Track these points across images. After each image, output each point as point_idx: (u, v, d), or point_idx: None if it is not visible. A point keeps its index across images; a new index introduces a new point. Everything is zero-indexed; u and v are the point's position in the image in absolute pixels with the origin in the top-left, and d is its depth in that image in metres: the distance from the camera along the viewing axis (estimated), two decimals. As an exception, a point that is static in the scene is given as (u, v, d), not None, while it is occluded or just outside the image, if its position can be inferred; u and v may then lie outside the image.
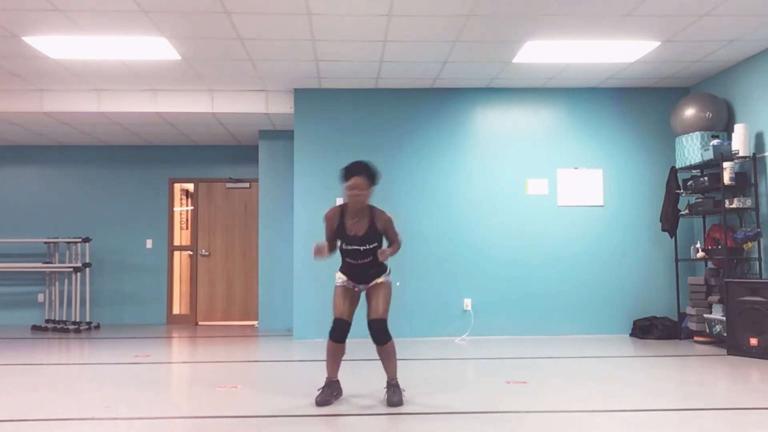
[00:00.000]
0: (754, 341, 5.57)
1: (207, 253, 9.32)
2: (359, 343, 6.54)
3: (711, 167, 6.64)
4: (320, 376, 4.79)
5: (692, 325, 6.53)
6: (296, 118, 7.31)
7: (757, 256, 6.14)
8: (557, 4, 5.03)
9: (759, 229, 6.05)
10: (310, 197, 7.23)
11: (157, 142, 9.22)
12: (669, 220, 6.88)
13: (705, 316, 6.36)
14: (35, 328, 8.44)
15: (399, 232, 4.10)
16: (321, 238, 7.14)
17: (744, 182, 6.23)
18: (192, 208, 9.54)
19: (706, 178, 6.43)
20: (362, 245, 3.91)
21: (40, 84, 7.05)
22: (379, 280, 4.04)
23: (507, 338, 7.01)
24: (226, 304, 9.31)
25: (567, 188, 7.29)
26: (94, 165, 9.38)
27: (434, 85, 7.21)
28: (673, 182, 6.88)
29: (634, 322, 7.10)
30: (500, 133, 7.35)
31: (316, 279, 7.12)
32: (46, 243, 8.80)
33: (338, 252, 4.07)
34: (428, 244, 7.20)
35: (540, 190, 7.29)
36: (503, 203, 7.26)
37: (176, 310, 9.33)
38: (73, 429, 3.48)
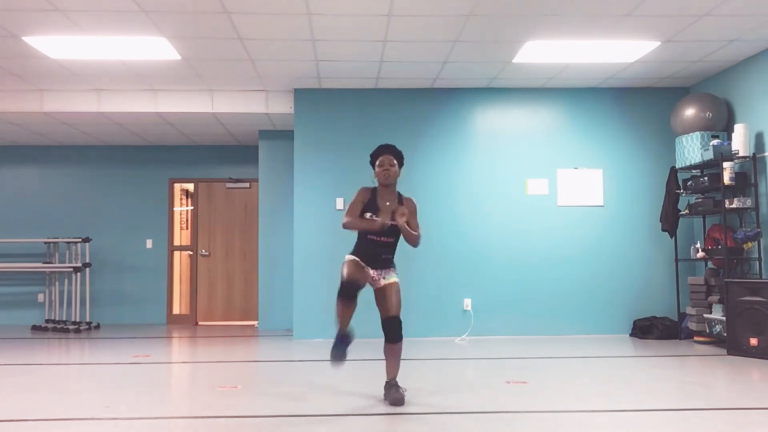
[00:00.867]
0: (754, 341, 5.57)
1: (207, 253, 9.33)
2: (359, 343, 6.54)
3: (711, 167, 6.64)
4: (320, 376, 4.79)
5: (692, 325, 6.53)
6: (296, 118, 7.31)
7: (757, 256, 6.14)
8: (557, 4, 5.03)
9: (759, 229, 6.05)
10: (310, 197, 7.23)
11: (157, 142, 9.22)
12: (669, 220, 6.88)
13: (705, 316, 6.36)
14: (35, 328, 8.44)
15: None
16: (321, 238, 7.17)
17: (744, 182, 6.23)
18: (192, 208, 9.54)
19: (706, 178, 6.43)
20: (392, 219, 3.99)
21: (40, 84, 7.05)
22: (391, 279, 4.08)
23: (507, 338, 7.01)
24: (226, 304, 9.31)
25: (567, 188, 7.29)
26: (94, 165, 9.38)
27: (434, 85, 7.21)
28: (673, 182, 6.88)
29: (634, 322, 7.10)
30: (500, 133, 7.35)
31: (316, 279, 7.11)
32: (46, 243, 8.80)
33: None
34: (428, 243, 7.17)
35: (540, 190, 7.29)
36: (503, 203, 7.26)
37: (176, 310, 9.33)
38: (73, 429, 3.48)
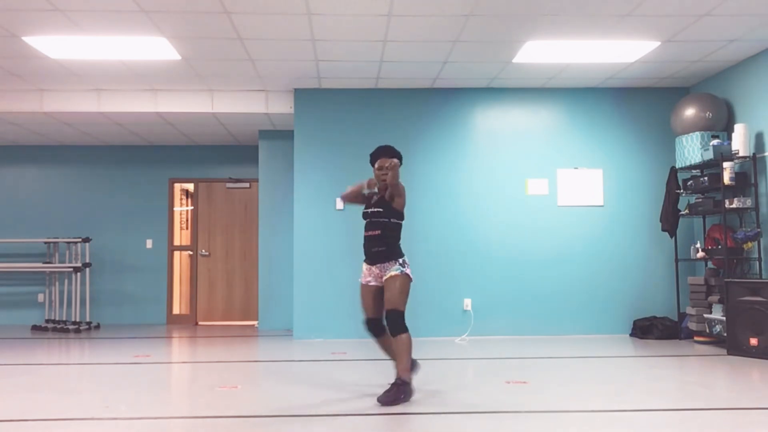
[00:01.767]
0: (754, 341, 5.57)
1: (207, 253, 9.32)
2: (361, 342, 6.55)
3: (711, 167, 6.64)
4: (320, 376, 4.79)
5: (692, 325, 6.53)
6: (296, 118, 7.31)
7: (757, 256, 6.14)
8: (557, 4, 5.03)
9: (759, 229, 6.05)
10: (310, 197, 7.23)
11: (157, 142, 9.22)
12: (669, 220, 6.88)
13: (705, 316, 6.36)
14: (35, 328, 8.44)
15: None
16: (320, 238, 7.17)
17: (744, 182, 6.23)
18: (192, 208, 9.54)
19: (706, 178, 6.43)
20: (370, 208, 4.24)
21: (40, 84, 7.05)
22: (390, 273, 4.11)
23: (507, 338, 7.01)
24: (226, 304, 9.31)
25: (567, 188, 7.29)
26: (94, 165, 9.38)
27: (434, 85, 7.21)
28: (673, 182, 6.88)
29: (634, 322, 7.10)
30: (500, 133, 7.35)
31: (316, 279, 7.11)
32: (46, 243, 8.80)
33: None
34: (428, 243, 7.19)
35: (540, 190, 7.29)
36: (503, 203, 7.26)
37: (176, 310, 9.33)
38: (73, 429, 3.48)
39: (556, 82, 7.13)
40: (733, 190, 6.32)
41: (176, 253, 9.41)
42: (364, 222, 4.24)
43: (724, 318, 5.93)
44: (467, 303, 7.16)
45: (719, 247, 6.35)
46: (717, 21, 5.39)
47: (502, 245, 7.21)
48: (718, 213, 6.38)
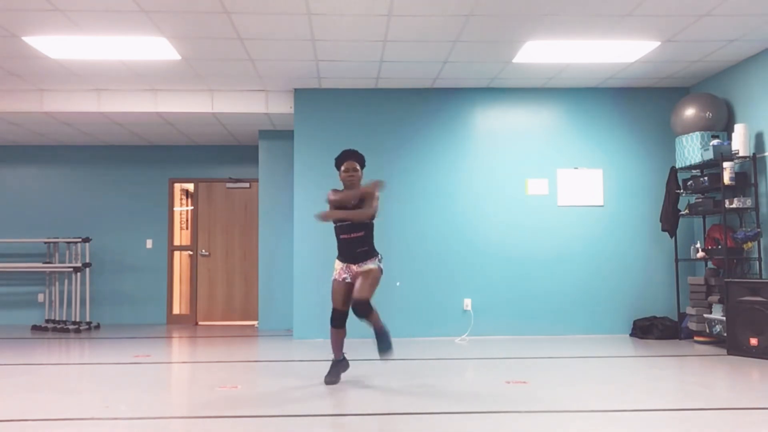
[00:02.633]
0: (754, 341, 5.57)
1: (207, 253, 9.33)
2: (361, 342, 6.55)
3: (711, 167, 6.64)
4: (320, 376, 4.79)
5: (692, 325, 6.53)
6: (296, 118, 7.31)
7: (757, 256, 6.14)
8: (557, 4, 5.03)
9: (759, 229, 6.05)
10: (310, 197, 7.22)
11: (157, 142, 9.22)
12: (669, 220, 6.88)
13: (705, 316, 6.36)
14: (35, 328, 8.44)
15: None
16: (320, 238, 7.17)
17: (744, 182, 6.23)
18: (192, 208, 9.54)
19: (706, 178, 6.43)
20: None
21: (40, 84, 7.05)
22: (367, 267, 4.50)
23: (507, 338, 7.01)
24: (226, 304, 9.31)
25: (567, 188, 7.29)
26: (94, 165, 9.38)
27: (434, 85, 7.21)
28: (673, 182, 6.88)
29: (634, 322, 7.10)
30: (500, 133, 7.35)
31: (316, 279, 7.11)
32: (46, 243, 8.80)
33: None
34: (428, 243, 7.20)
35: (540, 190, 7.29)
36: (503, 203, 7.26)
37: (176, 310, 9.34)
38: (73, 429, 3.48)
39: (556, 82, 7.13)
40: (733, 190, 6.32)
41: (176, 253, 9.41)
42: (340, 225, 4.53)
43: (724, 318, 5.93)
44: (467, 303, 7.16)
45: (719, 247, 6.35)
46: (717, 21, 5.39)
47: (502, 245, 7.21)
48: (718, 213, 6.38)
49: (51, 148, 9.37)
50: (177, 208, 9.52)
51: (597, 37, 5.77)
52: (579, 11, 5.19)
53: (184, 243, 9.51)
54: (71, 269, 8.35)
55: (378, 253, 4.61)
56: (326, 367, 4.77)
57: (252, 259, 9.21)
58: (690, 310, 6.59)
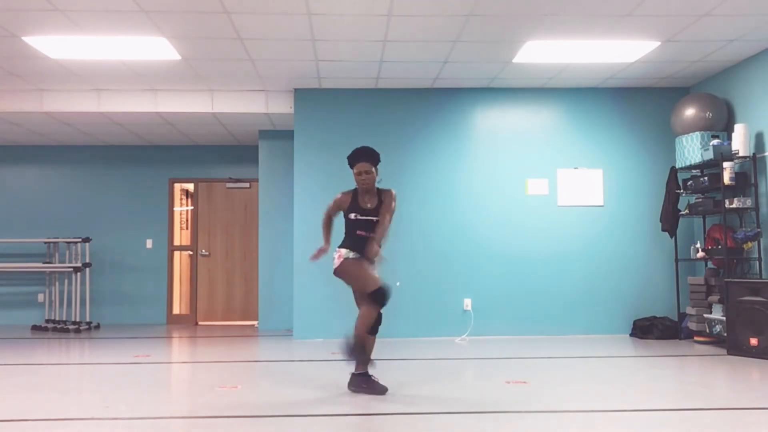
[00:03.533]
0: (754, 341, 5.57)
1: (207, 253, 9.33)
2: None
3: (711, 167, 6.64)
4: (320, 376, 4.79)
5: (692, 325, 6.53)
6: (296, 118, 7.31)
7: (757, 256, 6.14)
8: (557, 4, 5.03)
9: (759, 229, 6.05)
10: (310, 197, 7.23)
11: (157, 142, 9.22)
12: (669, 220, 6.88)
13: (705, 316, 6.36)
14: (35, 328, 8.44)
15: (394, 222, 4.56)
16: (320, 238, 7.16)
17: (744, 182, 6.23)
18: (192, 208, 9.54)
19: (706, 178, 6.43)
20: (375, 216, 4.37)
21: (40, 84, 7.05)
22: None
23: (507, 338, 7.01)
24: (226, 304, 9.31)
25: (567, 188, 7.29)
26: (94, 165, 9.38)
27: (434, 85, 7.21)
28: (673, 182, 6.88)
29: (634, 322, 7.10)
30: (500, 133, 7.35)
31: (316, 279, 7.11)
32: (46, 243, 8.80)
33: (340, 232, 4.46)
34: (428, 243, 7.19)
35: (540, 190, 7.29)
36: (503, 203, 7.26)
37: (176, 310, 9.34)
38: (73, 429, 3.48)
39: (556, 82, 7.13)
40: (733, 190, 6.32)
41: (176, 253, 9.41)
42: (357, 220, 4.37)
43: (724, 318, 5.93)
44: (467, 303, 7.16)
45: (719, 247, 6.35)
46: (717, 21, 5.39)
47: (502, 245, 7.21)
48: (718, 213, 6.38)
49: (51, 148, 9.37)
50: (177, 208, 9.52)
51: (597, 37, 5.77)
52: (579, 11, 5.19)
53: (184, 243, 9.51)
54: (71, 269, 8.35)
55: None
56: (326, 367, 4.75)
57: (252, 259, 9.21)
58: (690, 310, 6.59)
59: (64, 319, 8.61)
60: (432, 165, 7.28)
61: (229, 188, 9.40)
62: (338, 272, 4.37)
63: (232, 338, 7.52)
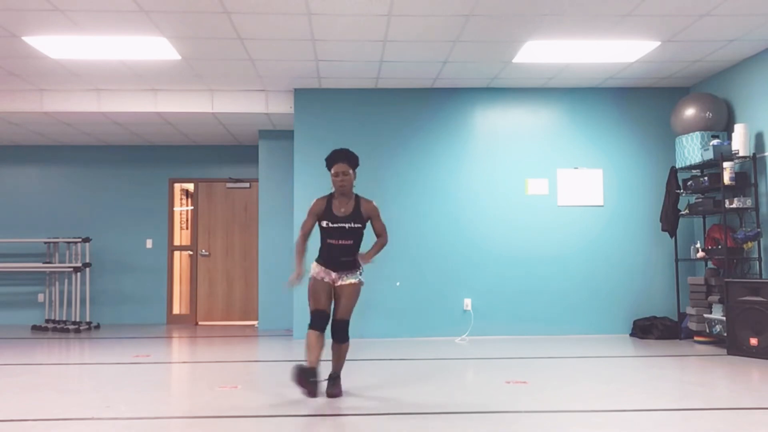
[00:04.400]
0: (754, 341, 5.57)
1: (207, 253, 9.33)
2: (360, 342, 6.54)
3: (711, 167, 6.64)
4: (320, 376, 4.79)
5: (692, 325, 6.53)
6: (296, 118, 7.31)
7: (757, 256, 6.14)
8: (557, 4, 5.03)
9: (759, 229, 6.05)
10: (310, 197, 7.15)
11: (157, 142, 9.22)
12: (669, 220, 6.88)
13: (705, 316, 6.36)
14: (35, 328, 8.44)
15: (389, 228, 4.36)
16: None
17: (744, 182, 6.23)
18: (192, 208, 9.54)
19: (706, 178, 6.43)
20: (347, 223, 4.17)
21: (40, 84, 7.05)
22: (352, 280, 4.22)
23: (507, 338, 7.01)
24: (226, 304, 9.31)
25: (567, 188, 7.29)
26: (94, 165, 9.38)
27: (434, 85, 7.21)
28: (673, 182, 6.88)
29: (634, 322, 7.10)
30: (500, 133, 7.35)
31: (316, 279, 7.10)
32: (46, 243, 8.80)
33: (316, 243, 4.30)
34: (428, 243, 7.19)
35: (540, 190, 7.29)
36: (503, 203, 7.26)
37: (176, 310, 9.34)
38: (73, 429, 3.48)
39: (556, 82, 7.13)
40: (733, 190, 6.32)
41: (176, 253, 9.41)
42: (330, 228, 4.17)
43: (724, 318, 5.93)
44: (467, 303, 7.16)
45: (719, 247, 6.35)
46: (717, 21, 5.39)
47: (502, 245, 7.21)
48: (718, 213, 6.38)
49: (51, 148, 9.37)
50: (177, 208, 9.52)
51: (597, 37, 5.77)
52: (579, 11, 5.19)
53: (184, 243, 9.51)
54: (71, 269, 8.35)
55: (360, 266, 4.27)
56: (326, 367, 4.74)
57: (252, 259, 9.21)
58: (690, 310, 6.59)
59: (64, 319, 8.61)
60: (432, 165, 7.28)
61: (229, 188, 9.40)
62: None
63: (232, 338, 7.52)
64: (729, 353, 5.75)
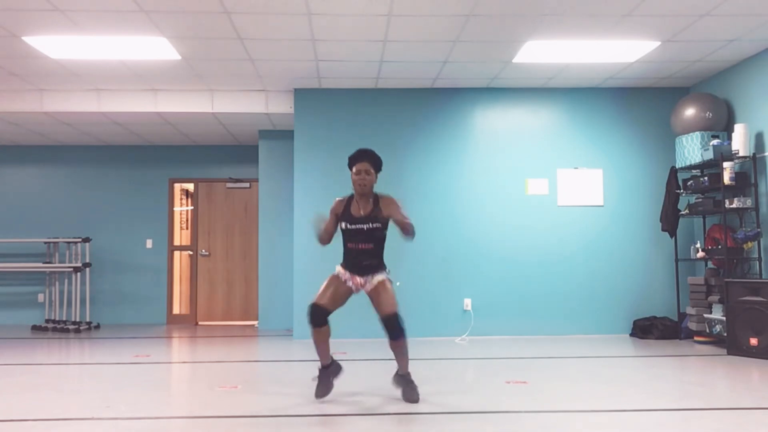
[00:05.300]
0: (754, 341, 5.57)
1: (207, 253, 9.33)
2: (361, 342, 6.55)
3: (711, 167, 6.64)
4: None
5: (692, 325, 6.53)
6: (296, 118, 7.31)
7: (757, 256, 6.14)
8: (557, 4, 5.03)
9: (759, 229, 6.05)
10: (310, 197, 7.22)
11: (157, 142, 9.22)
12: (669, 220, 6.88)
13: (705, 316, 6.36)
14: (35, 328, 8.44)
15: (390, 227, 4.20)
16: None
17: (744, 182, 6.23)
18: (192, 208, 9.54)
19: (706, 178, 6.43)
20: (366, 224, 4.05)
21: (40, 84, 7.05)
22: (380, 277, 4.10)
23: (507, 338, 7.01)
24: (226, 304, 9.31)
25: (567, 188, 7.29)
26: (95, 165, 9.38)
27: (434, 85, 7.21)
28: (673, 182, 6.88)
29: (634, 322, 7.10)
30: (500, 133, 7.35)
31: (316, 279, 7.08)
32: (46, 243, 8.80)
33: (341, 245, 4.18)
34: (428, 243, 7.19)
35: (540, 190, 7.29)
36: (503, 203, 7.26)
37: (176, 310, 9.33)
38: (73, 429, 3.48)
39: (556, 82, 7.13)
40: (733, 190, 6.32)
41: (176, 253, 9.41)
42: (349, 230, 4.08)
43: (724, 318, 5.93)
44: (467, 303, 7.16)
45: (719, 247, 6.35)
46: (717, 21, 5.39)
47: (502, 245, 7.21)
48: (718, 213, 6.38)
49: (51, 148, 9.37)
50: (177, 208, 9.52)
51: (597, 37, 5.77)
52: (579, 11, 5.19)
53: (184, 243, 9.51)
54: (71, 269, 8.35)
55: (386, 267, 4.18)
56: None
57: (252, 259, 9.21)
58: (690, 310, 6.59)
59: (64, 319, 8.61)
60: (432, 165, 7.28)
61: (229, 188, 9.40)
62: None
63: (232, 338, 7.52)
64: (729, 353, 5.75)
